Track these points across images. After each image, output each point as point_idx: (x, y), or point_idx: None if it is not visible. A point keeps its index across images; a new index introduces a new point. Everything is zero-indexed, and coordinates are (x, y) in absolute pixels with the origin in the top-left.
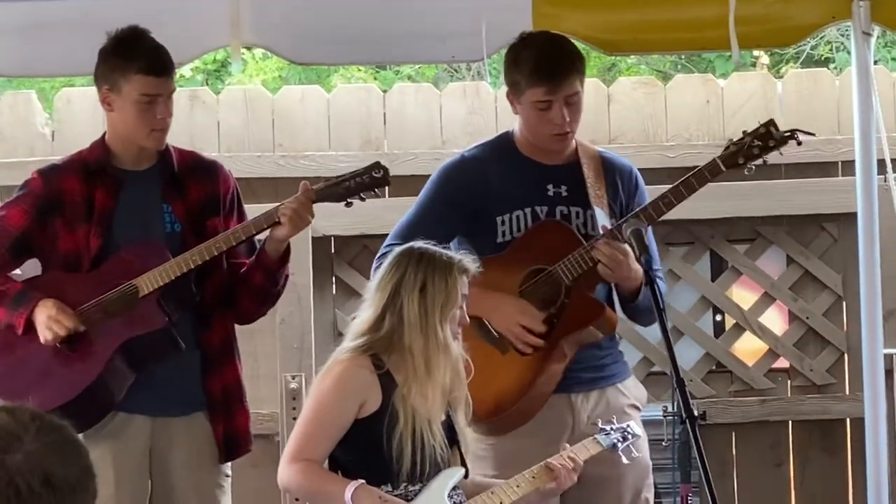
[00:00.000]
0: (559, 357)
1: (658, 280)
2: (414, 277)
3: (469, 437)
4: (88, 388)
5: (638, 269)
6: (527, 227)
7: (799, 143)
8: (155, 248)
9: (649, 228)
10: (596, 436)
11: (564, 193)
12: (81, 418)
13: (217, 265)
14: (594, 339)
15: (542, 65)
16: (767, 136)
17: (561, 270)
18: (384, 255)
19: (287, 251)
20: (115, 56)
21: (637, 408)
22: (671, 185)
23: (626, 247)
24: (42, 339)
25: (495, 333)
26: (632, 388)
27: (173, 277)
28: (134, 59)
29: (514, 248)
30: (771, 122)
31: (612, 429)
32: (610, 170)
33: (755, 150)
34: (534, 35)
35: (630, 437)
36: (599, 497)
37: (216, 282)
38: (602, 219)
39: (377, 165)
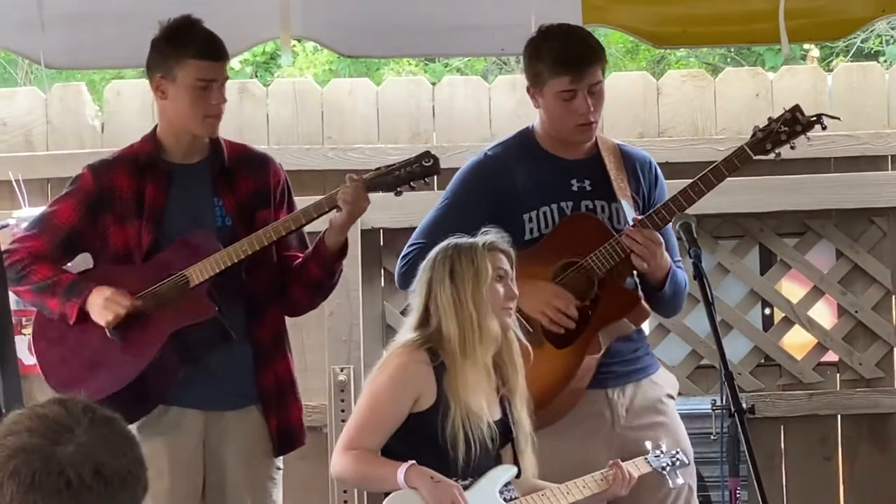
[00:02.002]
0: (594, 350)
1: (679, 270)
2: (442, 267)
3: (527, 429)
4: (139, 377)
5: (667, 258)
6: (553, 224)
7: (823, 128)
8: (206, 239)
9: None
10: (647, 456)
11: (588, 188)
12: (131, 408)
13: (268, 257)
14: (627, 332)
15: (566, 54)
16: (794, 122)
17: (593, 262)
18: (408, 254)
19: (345, 245)
20: (168, 44)
21: (672, 397)
22: (701, 173)
23: (658, 235)
24: (103, 322)
25: (529, 328)
26: (664, 378)
27: (224, 267)
28: (189, 44)
29: (546, 243)
30: (796, 108)
31: (662, 452)
32: (629, 161)
33: (782, 135)
34: (553, 27)
35: (678, 463)
36: (647, 491)
37: (267, 274)
38: (629, 211)
39: (427, 154)
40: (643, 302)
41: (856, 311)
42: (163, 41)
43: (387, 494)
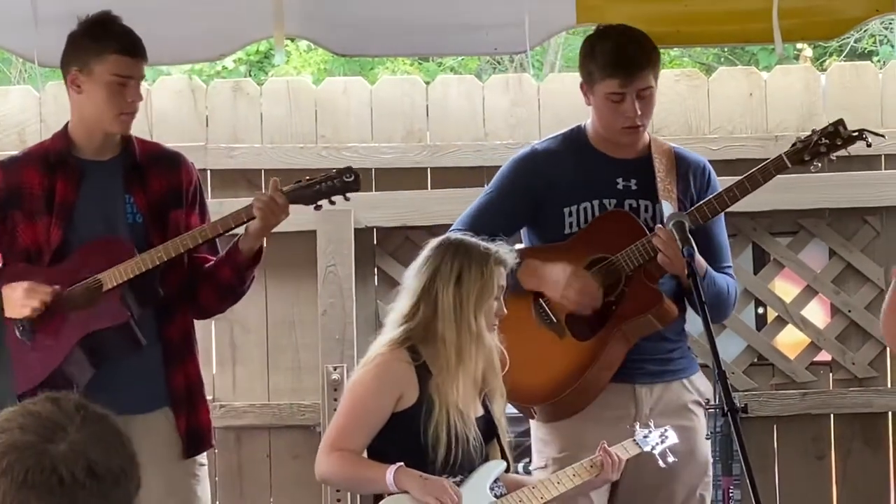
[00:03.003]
0: (616, 344)
1: (720, 274)
2: (450, 268)
3: (506, 428)
4: (47, 379)
5: (701, 262)
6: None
7: (868, 145)
8: (121, 244)
9: (722, 223)
10: (635, 438)
11: (634, 187)
12: None
13: (179, 260)
14: (653, 330)
15: (617, 57)
16: (835, 135)
17: (622, 259)
18: None
19: (259, 252)
20: (87, 38)
21: (700, 404)
22: (737, 180)
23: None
24: (27, 312)
25: (553, 318)
26: (697, 383)
27: (138, 273)
28: (108, 39)
29: (579, 237)
30: (840, 122)
31: (650, 432)
32: (682, 165)
33: (822, 147)
34: (611, 27)
35: (667, 440)
36: (652, 492)
37: (177, 276)
38: (668, 212)
39: (349, 170)
40: (668, 302)
41: (849, 311)
42: (81, 35)
43: (377, 497)
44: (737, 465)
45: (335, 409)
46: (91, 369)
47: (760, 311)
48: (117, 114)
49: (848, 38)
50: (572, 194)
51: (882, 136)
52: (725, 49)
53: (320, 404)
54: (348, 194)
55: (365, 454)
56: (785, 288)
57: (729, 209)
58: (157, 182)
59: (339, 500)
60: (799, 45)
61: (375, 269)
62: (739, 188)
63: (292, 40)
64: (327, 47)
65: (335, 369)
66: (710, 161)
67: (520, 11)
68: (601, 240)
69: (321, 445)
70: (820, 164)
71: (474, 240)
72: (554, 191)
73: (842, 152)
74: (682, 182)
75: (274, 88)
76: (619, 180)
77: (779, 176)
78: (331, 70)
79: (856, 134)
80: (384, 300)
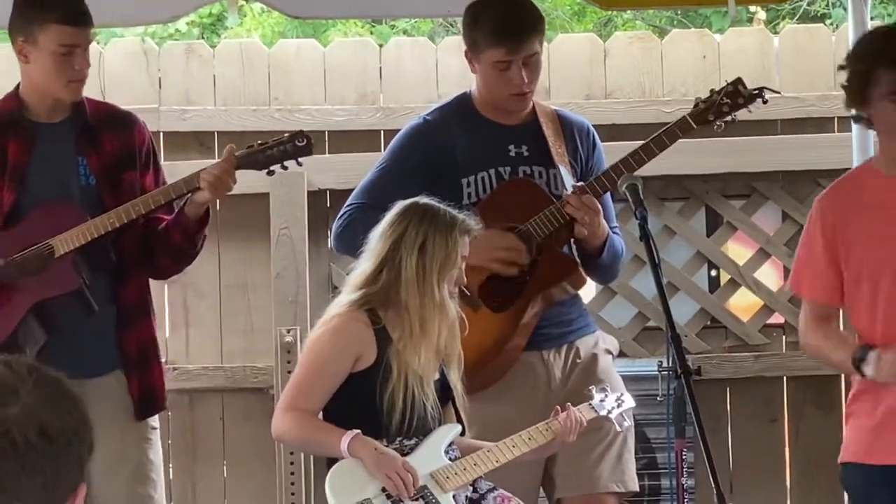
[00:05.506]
0: (531, 314)
1: (615, 235)
2: (415, 234)
3: (460, 390)
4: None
5: (604, 226)
6: (492, 189)
7: (765, 102)
8: (72, 208)
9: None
10: (591, 402)
11: (526, 153)
12: None
13: (132, 223)
14: (565, 296)
15: (503, 25)
16: (736, 94)
17: (532, 228)
18: (344, 214)
19: (207, 214)
20: (31, 7)
21: (611, 353)
22: (642, 142)
23: (596, 202)
24: None
25: (466, 291)
26: (602, 337)
27: (90, 239)
28: (51, 9)
29: (484, 207)
30: (739, 81)
31: (606, 396)
32: (568, 127)
33: (725, 107)
34: None
35: (623, 404)
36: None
37: (132, 239)
38: (567, 177)
39: (301, 134)
40: (581, 268)
41: None
42: (25, 4)
43: (330, 461)
44: (689, 428)
45: (289, 372)
46: (43, 336)
47: (713, 273)
48: (66, 82)
49: (801, 1)
50: (468, 164)
51: (778, 92)
52: (679, 12)
53: (273, 367)
54: (301, 158)
55: (321, 415)
56: (738, 251)
57: (682, 172)
58: (109, 143)
59: (292, 463)
60: (752, 8)
61: (328, 232)
62: (646, 151)
63: (246, 2)
64: (281, 10)
65: (288, 332)
66: (663, 124)
67: None
68: (507, 209)
69: (279, 404)
70: (723, 125)
71: (441, 206)
72: (449, 162)
73: (795, 115)
74: (570, 144)
75: (227, 51)
76: (511, 147)
77: (732, 139)
78: (284, 33)
79: (756, 92)
80: (337, 263)
